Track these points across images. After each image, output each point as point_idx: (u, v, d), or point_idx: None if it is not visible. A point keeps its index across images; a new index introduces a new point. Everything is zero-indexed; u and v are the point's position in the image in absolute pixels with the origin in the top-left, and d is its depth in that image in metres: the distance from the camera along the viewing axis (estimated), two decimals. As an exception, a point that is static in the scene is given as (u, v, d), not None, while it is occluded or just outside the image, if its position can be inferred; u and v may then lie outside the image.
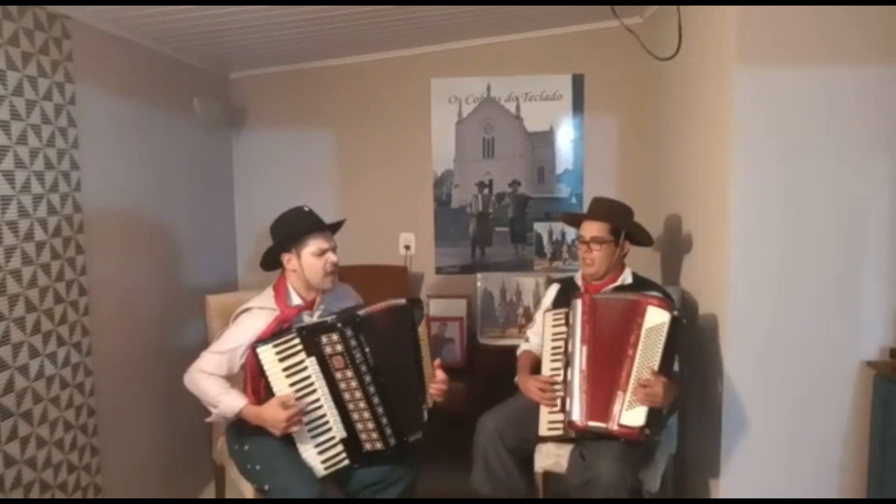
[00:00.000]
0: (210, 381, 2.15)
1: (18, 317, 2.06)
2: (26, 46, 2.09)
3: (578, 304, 2.35)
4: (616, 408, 2.18)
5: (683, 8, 2.67)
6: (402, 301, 2.26)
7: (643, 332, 2.20)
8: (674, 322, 2.18)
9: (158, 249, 2.92)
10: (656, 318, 2.20)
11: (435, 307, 3.51)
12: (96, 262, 2.43)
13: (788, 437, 2.38)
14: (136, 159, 2.74)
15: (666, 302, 2.25)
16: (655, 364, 2.16)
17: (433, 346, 3.39)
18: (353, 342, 2.10)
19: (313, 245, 2.20)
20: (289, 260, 2.23)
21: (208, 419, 2.23)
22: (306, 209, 2.26)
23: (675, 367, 2.24)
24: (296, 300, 2.24)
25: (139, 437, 2.73)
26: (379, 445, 2.14)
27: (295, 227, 2.21)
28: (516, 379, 2.53)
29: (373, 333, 2.13)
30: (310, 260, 2.20)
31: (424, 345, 2.27)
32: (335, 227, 2.29)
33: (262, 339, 2.10)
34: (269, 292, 2.26)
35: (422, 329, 2.27)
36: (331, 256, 2.22)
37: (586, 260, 2.46)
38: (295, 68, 3.65)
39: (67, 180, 2.28)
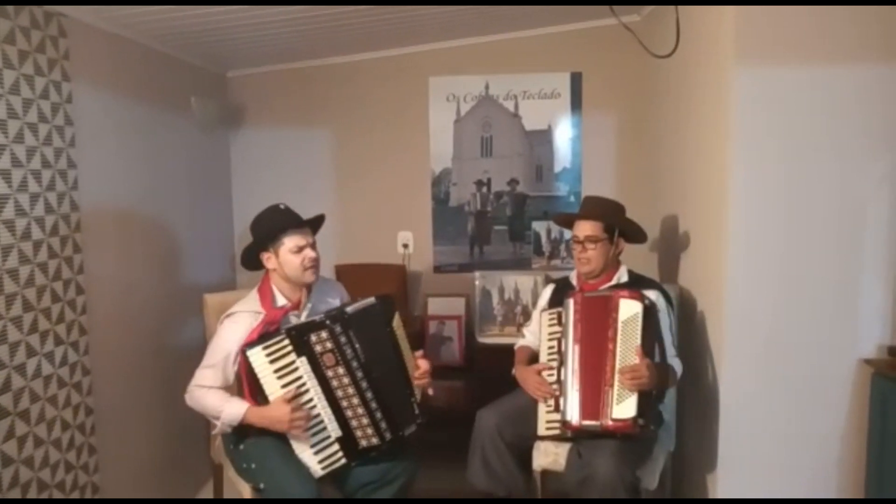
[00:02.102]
0: (210, 394, 2.14)
1: (16, 316, 2.05)
2: (23, 45, 2.08)
3: (570, 303, 2.36)
4: (606, 403, 2.19)
5: (681, 7, 2.67)
6: (372, 299, 2.23)
7: (619, 325, 2.24)
8: (646, 311, 2.22)
9: (156, 248, 2.91)
10: (629, 310, 2.24)
11: (433, 305, 3.51)
12: (93, 261, 2.42)
13: (786, 434, 2.39)
14: (134, 158, 2.73)
15: (637, 293, 2.29)
16: (636, 355, 2.19)
17: (431, 345, 3.42)
18: (343, 338, 2.09)
19: (290, 242, 2.17)
20: (268, 258, 2.21)
21: (214, 432, 2.23)
22: (282, 206, 2.23)
23: (657, 356, 2.25)
24: (281, 301, 2.22)
25: (137, 436, 2.73)
26: (375, 440, 2.14)
27: (271, 225, 2.19)
28: (514, 370, 2.54)
29: (361, 329, 2.13)
30: (287, 257, 2.18)
31: (402, 338, 2.26)
32: (313, 223, 2.26)
33: (251, 342, 2.08)
34: (254, 295, 2.24)
35: (396, 323, 2.25)
36: (309, 252, 2.19)
37: (582, 259, 2.47)
38: (293, 67, 3.64)
39: (64, 179, 2.27)
